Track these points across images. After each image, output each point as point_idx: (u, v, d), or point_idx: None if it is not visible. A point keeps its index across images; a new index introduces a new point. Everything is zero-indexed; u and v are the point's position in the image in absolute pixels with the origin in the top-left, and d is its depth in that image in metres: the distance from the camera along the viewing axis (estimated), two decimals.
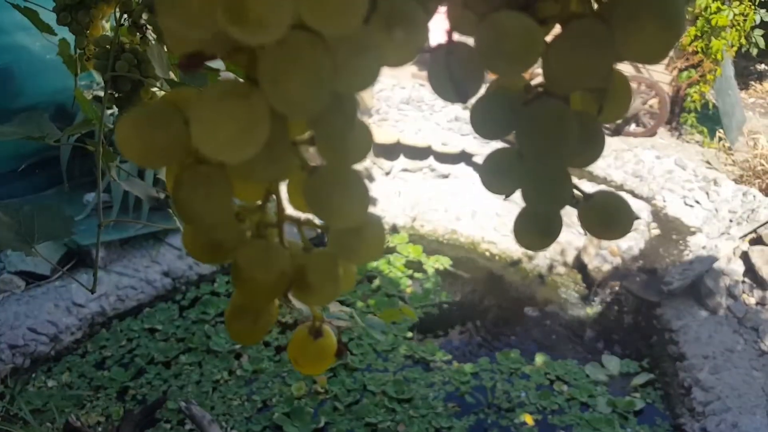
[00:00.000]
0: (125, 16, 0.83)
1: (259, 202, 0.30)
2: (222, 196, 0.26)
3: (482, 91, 0.31)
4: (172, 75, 0.83)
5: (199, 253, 0.29)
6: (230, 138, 0.22)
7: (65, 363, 2.52)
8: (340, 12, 0.21)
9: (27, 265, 2.68)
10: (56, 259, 2.68)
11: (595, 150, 0.30)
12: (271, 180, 0.29)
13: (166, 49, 0.85)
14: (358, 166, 0.29)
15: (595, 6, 0.27)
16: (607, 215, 0.32)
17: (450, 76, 0.28)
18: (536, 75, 0.30)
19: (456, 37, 0.30)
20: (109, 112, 0.87)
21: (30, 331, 2.49)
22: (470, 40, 0.28)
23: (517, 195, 0.32)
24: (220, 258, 0.29)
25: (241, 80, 0.23)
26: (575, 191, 0.31)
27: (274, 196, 0.30)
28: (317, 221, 0.30)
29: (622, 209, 0.31)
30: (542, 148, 0.28)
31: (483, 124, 0.31)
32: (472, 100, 0.31)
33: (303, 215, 0.31)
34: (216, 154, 0.22)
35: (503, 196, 0.33)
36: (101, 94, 0.90)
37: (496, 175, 0.32)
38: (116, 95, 0.83)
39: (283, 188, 0.31)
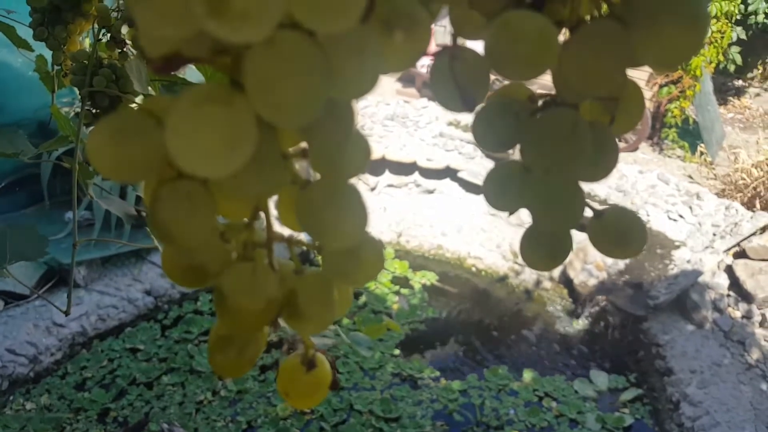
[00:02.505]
0: (103, 30, 0.82)
1: (246, 220, 0.27)
2: (204, 215, 0.24)
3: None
4: (151, 90, 0.81)
5: (179, 276, 0.26)
6: (211, 150, 0.19)
7: (44, 385, 2.46)
8: (334, 8, 0.19)
9: (6, 285, 2.63)
10: (36, 278, 2.63)
11: (609, 161, 0.28)
12: (260, 196, 0.26)
13: (145, 64, 0.83)
14: (355, 180, 0.26)
15: (606, 8, 0.25)
16: (620, 233, 0.29)
17: (455, 83, 0.26)
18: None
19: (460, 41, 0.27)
20: (87, 129, 0.85)
21: (8, 352, 2.44)
22: (471, 44, 0.26)
23: (498, 212, 0.30)
24: (203, 282, 0.26)
25: (223, 85, 0.20)
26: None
27: (262, 214, 0.27)
28: (310, 241, 0.28)
29: (636, 227, 0.29)
30: (553, 160, 0.26)
31: (486, 136, 0.28)
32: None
33: (294, 234, 0.29)
34: (195, 169, 0.19)
35: (506, 214, 0.30)
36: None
37: (501, 191, 0.30)
38: (94, 111, 0.81)
39: (273, 205, 0.28)
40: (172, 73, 0.21)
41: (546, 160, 0.26)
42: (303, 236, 0.29)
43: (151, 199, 0.24)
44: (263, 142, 0.21)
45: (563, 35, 0.26)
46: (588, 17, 0.25)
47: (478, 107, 0.27)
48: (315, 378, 0.30)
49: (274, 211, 0.28)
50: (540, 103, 0.27)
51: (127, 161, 0.23)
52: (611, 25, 0.24)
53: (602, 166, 0.28)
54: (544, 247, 0.30)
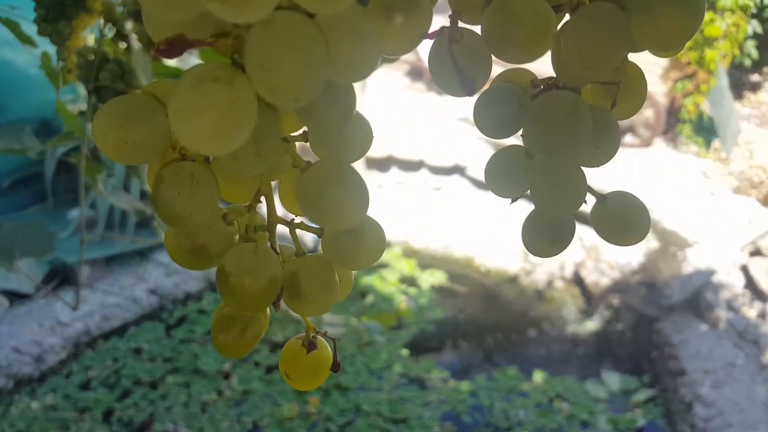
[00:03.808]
0: (109, 25, 0.82)
1: (248, 204, 0.28)
2: (207, 196, 0.25)
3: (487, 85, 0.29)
4: None
5: (182, 258, 0.27)
6: (212, 128, 0.19)
7: (49, 384, 2.45)
8: None
9: (10, 284, 2.62)
10: (40, 277, 2.62)
11: (610, 145, 0.28)
12: (260, 175, 0.27)
13: (150, 56, 0.84)
14: (357, 165, 0.27)
15: None
16: (623, 219, 0.29)
17: (455, 66, 0.25)
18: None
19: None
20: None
21: (13, 351, 2.43)
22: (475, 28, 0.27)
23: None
24: (206, 263, 0.27)
25: (224, 64, 0.21)
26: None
27: (264, 198, 0.28)
28: (311, 224, 0.28)
29: (639, 212, 0.29)
30: (554, 142, 0.25)
31: (487, 120, 0.28)
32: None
33: (296, 218, 0.29)
34: (196, 146, 0.20)
35: (509, 201, 0.30)
36: (85, 108, 0.89)
37: (503, 177, 0.30)
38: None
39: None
40: (176, 57, 0.21)
41: (547, 141, 0.26)
42: (304, 221, 0.30)
43: (155, 180, 0.25)
44: (263, 123, 0.21)
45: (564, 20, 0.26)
46: (587, 0, 0.25)
47: (479, 92, 0.27)
48: (316, 360, 0.30)
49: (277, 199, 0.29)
50: (541, 87, 0.27)
51: (132, 143, 0.24)
52: (610, 7, 0.24)
53: (603, 150, 0.28)
54: (546, 232, 0.30)
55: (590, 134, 0.26)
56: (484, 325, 3.25)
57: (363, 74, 0.22)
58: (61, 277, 2.67)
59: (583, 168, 0.28)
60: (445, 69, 0.26)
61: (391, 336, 2.91)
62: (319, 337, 0.31)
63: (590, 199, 0.30)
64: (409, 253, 3.64)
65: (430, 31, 0.25)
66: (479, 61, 0.26)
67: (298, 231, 0.30)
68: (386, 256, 3.55)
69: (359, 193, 0.25)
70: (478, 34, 0.26)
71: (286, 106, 0.21)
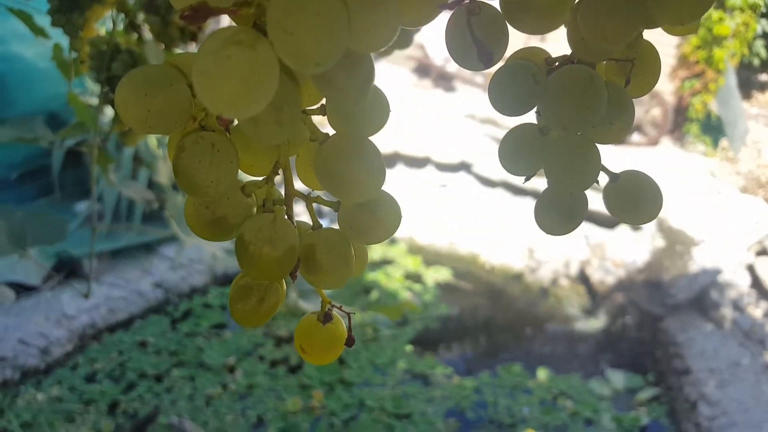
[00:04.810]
0: (122, 16, 0.83)
1: (266, 176, 0.28)
2: (227, 165, 0.25)
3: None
4: None
5: (202, 229, 0.27)
6: (235, 90, 0.20)
7: (55, 376, 2.46)
8: None
9: (17, 276, 2.63)
10: (47, 270, 2.62)
11: (624, 122, 0.28)
12: (278, 147, 0.27)
13: (162, 48, 0.84)
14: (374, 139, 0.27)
15: None
16: (635, 197, 0.30)
17: (473, 38, 0.25)
18: None
19: None
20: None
21: (20, 343, 2.44)
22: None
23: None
24: (225, 234, 0.28)
25: (247, 29, 0.21)
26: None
27: (282, 170, 0.28)
28: (329, 198, 0.29)
29: (651, 190, 0.29)
30: (571, 115, 0.25)
31: (502, 98, 0.28)
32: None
33: (313, 191, 0.30)
34: (219, 108, 0.20)
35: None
36: (94, 102, 0.89)
37: (517, 154, 0.30)
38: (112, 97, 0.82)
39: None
40: (199, 23, 0.22)
41: (564, 114, 0.26)
42: (321, 195, 0.30)
43: (176, 150, 0.25)
44: (284, 91, 0.22)
45: None
46: None
47: (495, 65, 0.27)
48: (330, 333, 0.30)
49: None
50: (557, 64, 0.28)
51: (155, 112, 0.24)
52: None
53: (618, 126, 0.28)
54: (559, 210, 0.30)
55: (605, 107, 0.26)
56: (488, 322, 3.25)
57: (382, 43, 0.22)
58: (67, 270, 2.68)
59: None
60: (462, 41, 0.26)
61: (395, 332, 2.91)
62: (334, 311, 0.31)
63: (603, 180, 0.30)
64: (415, 249, 3.64)
65: (449, 1, 0.25)
66: (497, 34, 0.26)
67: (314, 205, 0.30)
68: (391, 253, 3.55)
69: (376, 166, 0.25)
70: (495, 7, 0.26)
71: (307, 71, 0.21)
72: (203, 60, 0.20)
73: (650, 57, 0.28)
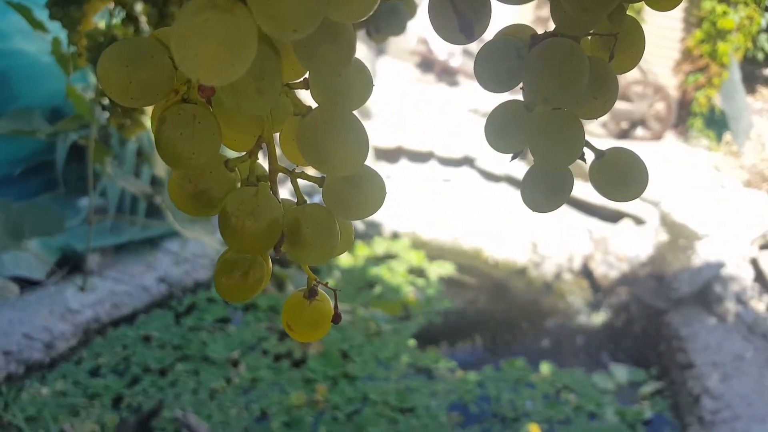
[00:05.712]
0: (119, 8, 0.82)
1: (249, 150, 0.28)
2: (209, 137, 0.25)
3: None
4: None
5: (185, 202, 0.27)
6: (212, 54, 0.20)
7: (60, 370, 2.47)
8: None
9: (21, 271, 2.64)
10: (51, 264, 2.63)
11: (608, 96, 0.27)
12: (261, 120, 0.27)
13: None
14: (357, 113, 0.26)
15: None
16: (621, 174, 0.30)
17: (454, 8, 0.25)
18: None
19: None
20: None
21: (24, 338, 2.45)
22: None
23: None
24: (208, 208, 0.27)
25: None
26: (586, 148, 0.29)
27: (265, 144, 0.28)
28: (313, 173, 0.29)
29: (637, 167, 0.29)
30: (552, 87, 0.25)
31: (487, 74, 0.28)
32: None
33: (297, 167, 0.29)
34: (197, 73, 0.20)
35: (510, 157, 0.30)
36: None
37: (502, 131, 0.29)
38: None
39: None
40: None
41: (545, 87, 0.25)
42: (305, 170, 0.30)
43: (157, 121, 0.25)
44: (264, 60, 0.22)
45: None
46: None
47: (477, 38, 0.27)
48: (317, 310, 0.30)
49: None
50: (541, 37, 0.27)
51: (137, 83, 0.24)
52: None
53: (602, 100, 0.27)
54: (544, 186, 0.30)
55: (588, 81, 0.25)
56: (491, 316, 3.25)
57: (361, 13, 0.22)
58: (71, 265, 2.69)
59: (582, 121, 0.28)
60: (443, 11, 0.25)
61: (398, 326, 2.92)
62: (320, 290, 0.30)
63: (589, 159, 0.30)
64: (418, 244, 3.64)
65: None
66: (478, 4, 0.25)
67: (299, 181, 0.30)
68: (395, 247, 3.55)
69: (359, 138, 0.25)
70: None
71: (285, 37, 0.21)
72: (181, 24, 0.20)
73: (634, 33, 0.28)
